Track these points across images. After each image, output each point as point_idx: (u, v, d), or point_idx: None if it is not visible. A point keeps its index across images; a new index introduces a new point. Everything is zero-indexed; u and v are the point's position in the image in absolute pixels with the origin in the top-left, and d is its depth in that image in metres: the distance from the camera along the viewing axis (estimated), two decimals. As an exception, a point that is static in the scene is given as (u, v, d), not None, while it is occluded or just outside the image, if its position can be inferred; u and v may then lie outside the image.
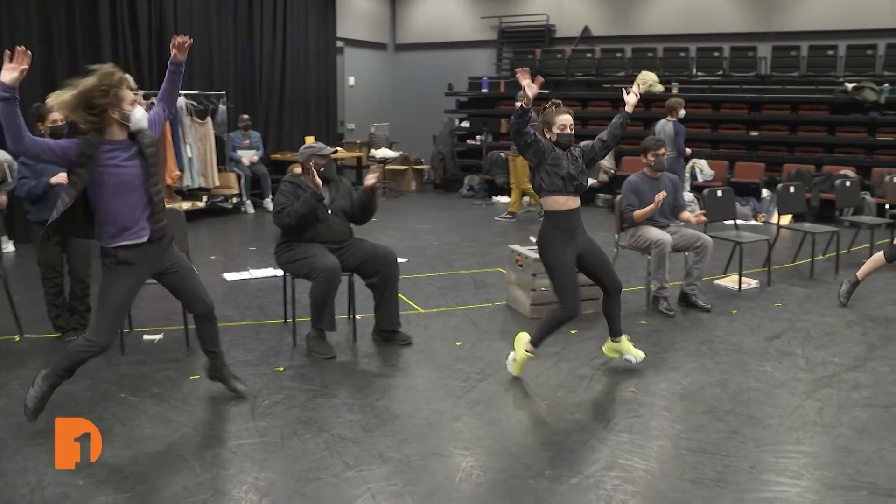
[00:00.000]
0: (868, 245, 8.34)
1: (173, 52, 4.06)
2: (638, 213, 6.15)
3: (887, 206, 9.44)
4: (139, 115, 3.82)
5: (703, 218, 6.36)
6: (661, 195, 5.95)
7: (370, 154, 13.50)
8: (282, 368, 4.88)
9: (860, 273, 6.51)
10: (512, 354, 4.75)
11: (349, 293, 5.56)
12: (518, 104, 4.30)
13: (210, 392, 4.47)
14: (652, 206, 6.02)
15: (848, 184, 8.72)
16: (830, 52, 11.92)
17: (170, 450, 3.74)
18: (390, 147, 14.10)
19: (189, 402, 4.34)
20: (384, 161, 13.41)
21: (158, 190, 3.99)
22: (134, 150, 3.86)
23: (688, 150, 10.08)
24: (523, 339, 4.71)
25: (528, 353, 4.65)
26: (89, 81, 3.64)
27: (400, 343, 5.35)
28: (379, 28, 16.01)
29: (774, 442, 3.89)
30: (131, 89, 3.82)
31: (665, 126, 9.75)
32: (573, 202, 4.59)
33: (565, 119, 4.65)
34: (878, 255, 6.39)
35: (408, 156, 14.36)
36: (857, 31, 11.86)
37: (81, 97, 3.63)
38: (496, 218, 11.06)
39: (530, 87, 4.23)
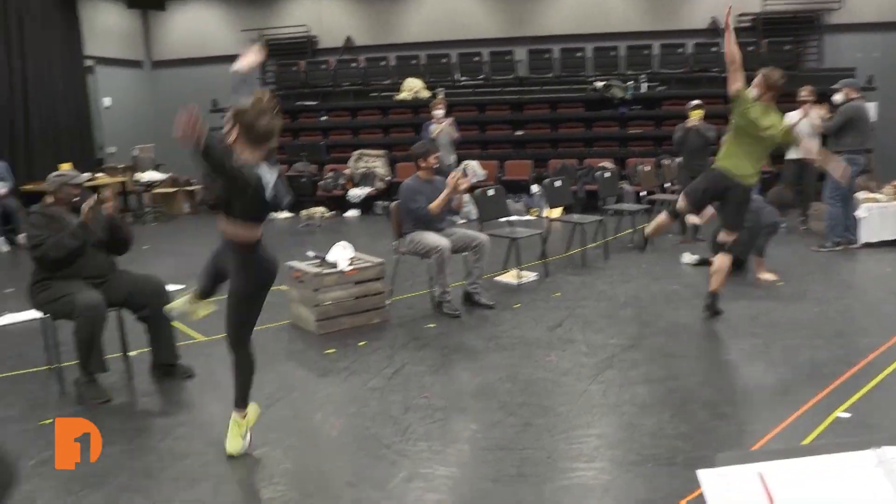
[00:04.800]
0: (630, 230, 8.94)
1: None
2: (433, 205, 6.16)
3: (643, 193, 10.20)
4: None
5: (465, 181, 6.35)
6: (457, 175, 6.07)
7: (134, 178, 12.72)
8: (50, 421, 4.39)
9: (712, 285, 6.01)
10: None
11: (119, 329, 5.13)
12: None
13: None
14: (446, 192, 6.07)
15: (607, 175, 9.30)
16: (579, 54, 12.72)
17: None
18: (157, 169, 13.36)
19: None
20: (151, 184, 12.69)
21: None
22: None
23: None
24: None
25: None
26: None
27: (181, 376, 5.00)
28: (132, 44, 15.11)
29: (567, 429, 4.00)
30: None
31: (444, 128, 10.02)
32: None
33: None
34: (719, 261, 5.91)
35: (177, 177, 13.65)
36: (601, 34, 12.75)
37: None
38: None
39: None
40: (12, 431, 4.26)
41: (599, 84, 12.13)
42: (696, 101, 8.80)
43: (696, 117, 8.62)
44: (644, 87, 12.18)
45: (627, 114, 12.17)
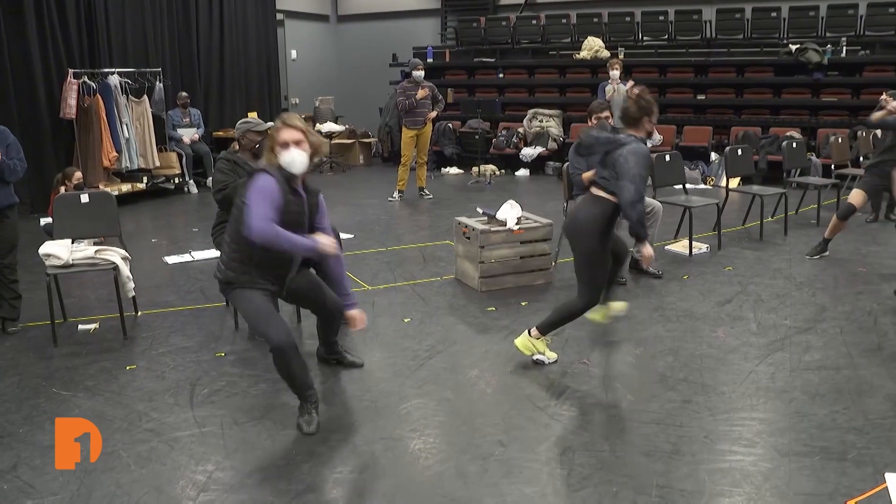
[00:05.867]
0: (815, 206, 8.38)
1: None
2: (585, 175, 6.03)
3: (833, 167, 9.51)
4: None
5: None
6: None
7: (316, 128, 13.21)
8: (223, 354, 4.69)
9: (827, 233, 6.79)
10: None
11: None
12: None
13: (147, 382, 4.27)
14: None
15: (794, 145, 8.71)
16: (774, 15, 11.90)
17: (103, 446, 3.54)
18: (336, 121, 13.84)
19: (125, 393, 4.14)
20: (330, 135, 13.15)
21: None
22: None
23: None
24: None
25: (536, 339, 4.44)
26: None
27: (345, 323, 5.17)
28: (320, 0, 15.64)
29: (728, 410, 3.83)
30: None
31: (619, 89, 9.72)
32: None
33: None
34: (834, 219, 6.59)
35: (354, 129, 14.10)
36: (799, -8, 11.87)
37: None
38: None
39: None
40: (189, 360, 4.59)
41: (794, 47, 11.33)
42: None
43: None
44: (844, 51, 11.26)
45: (822, 80, 11.32)
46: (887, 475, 1.39)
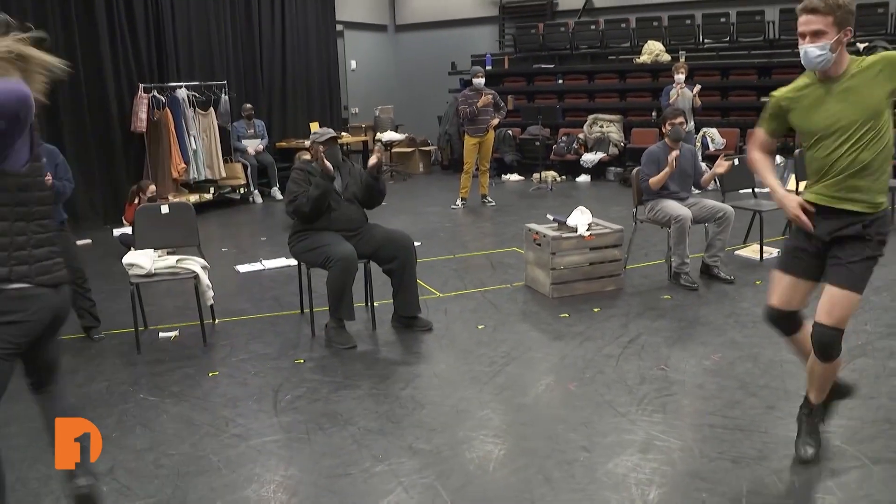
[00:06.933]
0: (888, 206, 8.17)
1: None
2: (653, 180, 6.03)
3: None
4: None
5: (725, 164, 6.03)
6: (675, 154, 5.83)
7: (376, 137, 13.36)
8: (302, 360, 4.78)
9: None
10: None
11: (366, 280, 5.44)
12: None
13: (230, 388, 4.38)
14: (666, 169, 5.89)
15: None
16: (840, 13, 11.66)
17: (194, 450, 3.64)
18: (396, 129, 13.97)
19: (209, 399, 4.25)
20: (390, 144, 13.27)
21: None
22: None
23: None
24: None
25: None
26: None
27: (420, 329, 5.25)
28: (378, 9, 15.81)
29: (813, 416, 3.77)
30: None
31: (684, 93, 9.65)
32: None
33: None
34: None
35: (414, 137, 14.22)
36: (869, -11, 11.62)
37: None
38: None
39: None
40: (270, 367, 4.69)
41: (862, 45, 11.09)
42: None
43: None
44: (915, 49, 10.99)
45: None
46: None
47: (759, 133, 3.44)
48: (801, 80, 3.23)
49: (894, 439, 3.52)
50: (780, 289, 3.31)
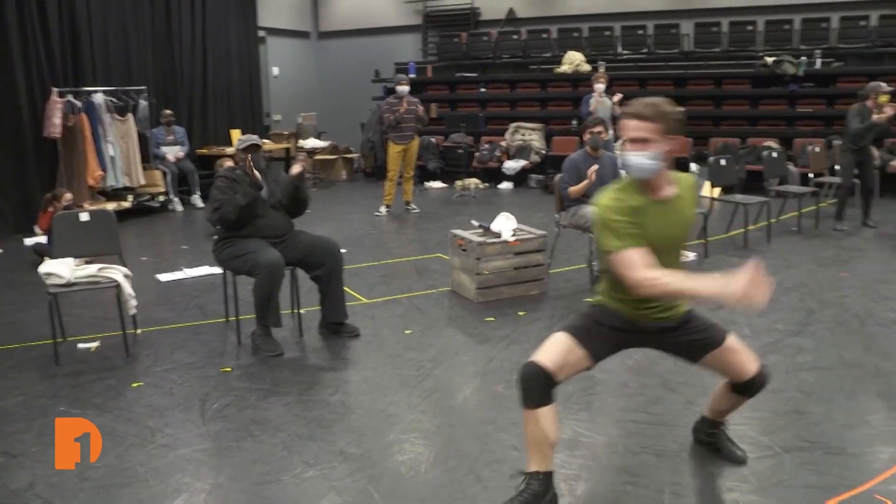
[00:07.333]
0: (796, 213, 8.57)
1: None
2: (573, 189, 6.18)
3: (811, 175, 9.72)
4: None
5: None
6: (593, 168, 5.99)
7: (298, 145, 13.28)
8: (229, 369, 4.74)
9: None
10: None
11: (293, 287, 5.43)
12: None
13: (155, 399, 4.30)
14: (586, 181, 6.05)
15: (774, 155, 8.93)
16: (750, 28, 12.18)
17: (119, 462, 3.57)
18: (318, 137, 13.91)
19: (134, 410, 4.17)
20: (313, 151, 13.21)
21: None
22: None
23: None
24: None
25: None
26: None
27: (348, 335, 5.25)
28: (301, 16, 15.72)
29: (730, 411, 3.94)
30: None
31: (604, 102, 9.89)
32: None
33: None
34: None
35: (337, 145, 14.18)
36: (774, 6, 12.15)
37: None
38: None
39: None
40: (196, 376, 4.62)
41: (770, 59, 11.59)
42: (885, 87, 8.00)
43: (884, 103, 7.93)
44: (818, 62, 11.53)
45: (798, 91, 11.58)
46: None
47: (630, 254, 2.84)
48: (622, 192, 2.96)
49: (803, 429, 3.71)
50: None
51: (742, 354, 3.11)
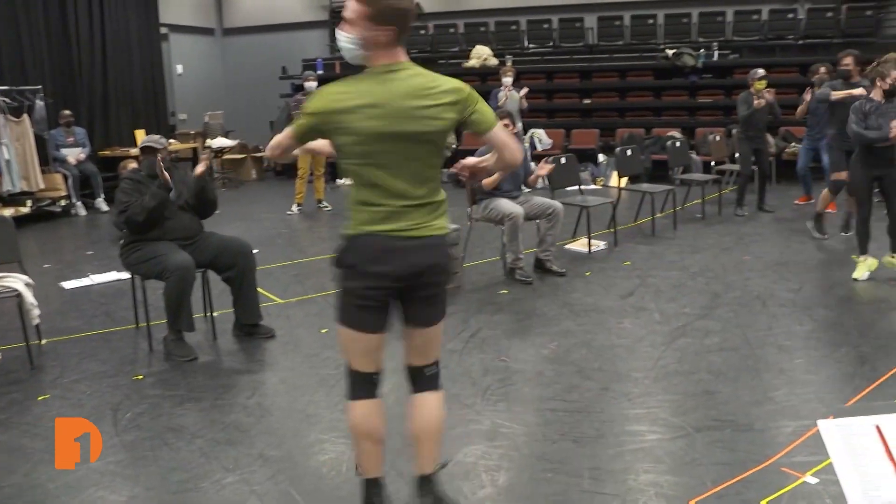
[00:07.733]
0: (700, 200, 8.86)
1: None
2: (486, 181, 6.23)
3: (713, 164, 10.07)
4: None
5: (548, 166, 6.47)
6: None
7: (205, 144, 12.98)
8: (141, 376, 4.61)
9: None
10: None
11: (204, 289, 5.30)
12: None
13: (64, 411, 4.15)
14: (497, 174, 6.11)
15: (678, 144, 9.21)
16: (651, 21, 12.52)
17: (27, 480, 3.44)
18: (226, 136, 13.63)
19: (41, 424, 4.01)
20: (221, 150, 12.96)
21: None
22: None
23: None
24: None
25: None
26: None
27: (263, 336, 5.18)
28: (205, 12, 15.37)
29: (643, 394, 4.06)
30: None
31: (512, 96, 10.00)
32: None
33: None
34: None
35: (245, 144, 13.93)
36: (673, 0, 12.51)
37: None
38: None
39: None
40: (106, 385, 4.49)
41: (670, 52, 11.94)
42: (761, 72, 8.40)
43: (760, 89, 8.32)
44: (716, 55, 11.94)
45: (698, 82, 11.97)
46: (819, 422, 1.58)
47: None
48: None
49: (713, 408, 3.85)
50: None
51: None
